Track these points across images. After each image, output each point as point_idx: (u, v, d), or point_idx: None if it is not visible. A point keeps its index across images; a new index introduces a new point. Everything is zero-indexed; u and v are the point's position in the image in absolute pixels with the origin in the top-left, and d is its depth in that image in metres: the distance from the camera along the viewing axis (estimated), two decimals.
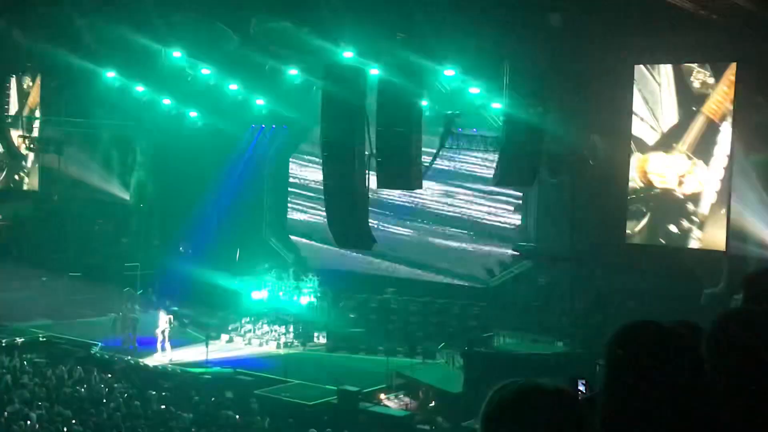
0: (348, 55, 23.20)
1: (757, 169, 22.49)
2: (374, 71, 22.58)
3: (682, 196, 23.96)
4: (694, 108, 23.61)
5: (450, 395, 21.97)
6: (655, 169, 24.23)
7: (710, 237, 23.48)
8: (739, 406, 2.28)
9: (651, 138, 24.28)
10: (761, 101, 22.10)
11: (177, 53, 27.91)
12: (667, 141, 23.97)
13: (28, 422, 18.55)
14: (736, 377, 2.30)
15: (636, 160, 24.46)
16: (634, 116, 24.29)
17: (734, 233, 22.73)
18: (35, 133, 36.21)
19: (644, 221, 24.69)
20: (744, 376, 2.29)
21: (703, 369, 2.29)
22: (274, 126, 32.97)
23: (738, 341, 2.36)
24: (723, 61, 23.11)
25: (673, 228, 24.16)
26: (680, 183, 23.93)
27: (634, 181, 24.53)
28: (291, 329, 28.74)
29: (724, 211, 22.92)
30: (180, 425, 19.23)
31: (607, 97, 24.41)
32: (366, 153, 22.62)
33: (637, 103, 24.25)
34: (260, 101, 31.38)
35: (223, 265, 32.17)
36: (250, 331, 28.87)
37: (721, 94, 23.12)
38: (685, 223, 23.93)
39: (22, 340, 27.89)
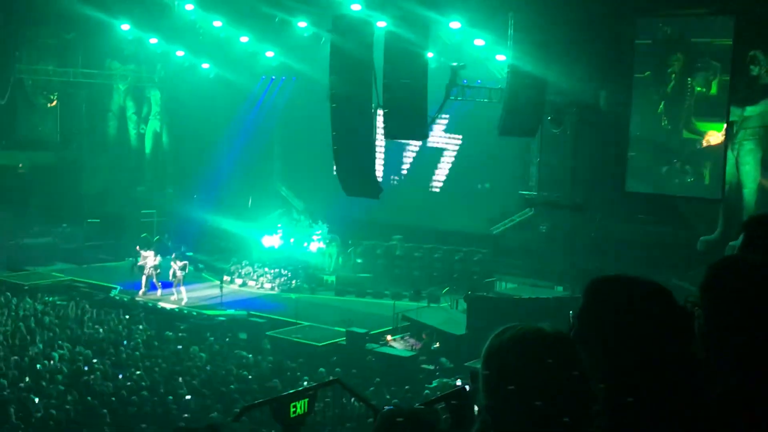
0: (356, 7, 23.00)
1: (751, 119, 22.43)
2: (381, 23, 22.40)
3: (681, 147, 23.89)
4: (693, 62, 23.45)
5: (453, 337, 22.13)
6: (657, 120, 24.16)
7: (707, 186, 23.46)
8: (731, 352, 2.28)
9: (653, 91, 24.15)
10: (756, 54, 21.97)
11: (189, 6, 27.76)
12: (669, 94, 23.84)
13: (51, 362, 18.78)
14: (730, 323, 2.29)
15: (637, 110, 24.37)
16: (636, 68, 24.13)
17: (730, 182, 22.72)
18: (54, 84, 36.09)
19: (643, 171, 24.66)
20: (737, 321, 2.28)
21: (673, 325, 2.28)
22: (284, 77, 32.79)
23: (731, 289, 2.34)
24: (722, 14, 22.87)
25: (670, 178, 24.13)
26: (680, 134, 23.86)
27: (636, 131, 24.45)
28: (301, 274, 28.90)
29: (721, 161, 22.88)
30: (196, 365, 19.44)
31: (609, 49, 24.23)
32: (373, 104, 22.58)
33: (639, 56, 24.08)
34: (270, 53, 31.20)
35: (235, 212, 32.29)
36: (262, 275, 29.05)
37: (719, 48, 22.96)
38: (683, 174, 23.89)
39: (45, 283, 28.14)
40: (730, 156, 22.75)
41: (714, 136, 23.12)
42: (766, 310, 2.23)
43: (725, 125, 22.73)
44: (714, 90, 23.00)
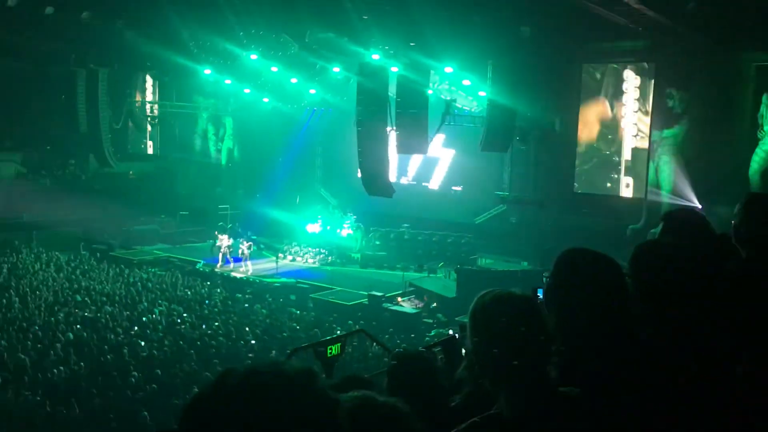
0: (375, 57, 22.97)
1: (668, 139, 22.34)
2: (394, 69, 22.39)
3: (615, 159, 23.82)
4: (624, 95, 23.38)
5: (447, 299, 22.13)
6: (598, 139, 24.10)
7: (634, 188, 23.37)
8: (650, 315, 2.29)
9: (595, 116, 24.10)
10: (671, 91, 21.87)
11: (254, 56, 27.77)
12: (607, 119, 23.80)
13: (153, 315, 18.89)
14: (648, 292, 2.30)
15: (583, 132, 24.33)
16: (581, 101, 24.10)
17: (651, 185, 22.63)
18: (155, 113, 36.27)
19: (587, 177, 24.59)
20: (653, 290, 2.29)
21: (617, 286, 2.27)
22: (323, 108, 32.79)
23: (648, 265, 2.36)
24: (644, 61, 22.79)
25: (606, 182, 24.05)
26: (614, 150, 23.78)
27: (581, 147, 24.40)
28: (335, 252, 28.94)
29: (644, 169, 22.79)
30: (258, 318, 19.52)
31: (562, 86, 24.16)
32: (388, 128, 22.56)
33: (584, 92, 24.04)
34: (313, 90, 31.18)
35: (287, 206, 32.33)
36: (306, 253, 29.09)
37: (642, 86, 22.93)
38: (616, 179, 23.82)
39: (149, 258, 28.35)
40: (651, 166, 22.65)
41: (638, 152, 23.10)
42: (674, 276, 2.26)
43: (648, 143, 22.67)
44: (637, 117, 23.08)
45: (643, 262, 2.41)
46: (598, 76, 23.90)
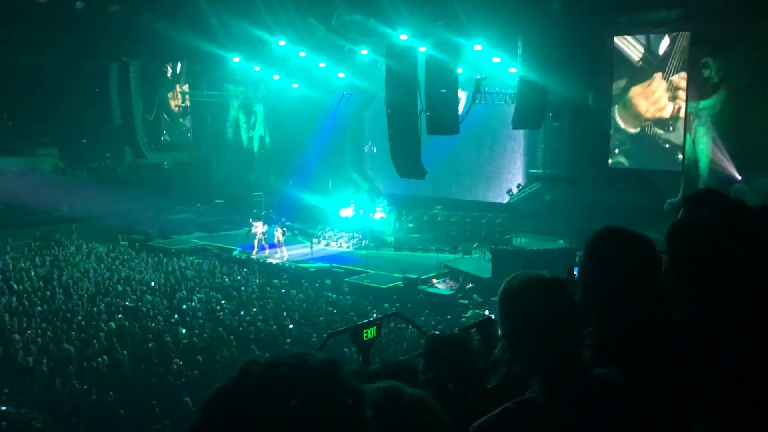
0: (403, 37, 22.80)
1: (704, 110, 21.86)
2: (423, 48, 22.19)
3: (651, 133, 23.35)
4: (658, 66, 22.86)
5: (482, 279, 22.03)
6: (633, 113, 23.65)
7: (671, 161, 22.91)
8: (687, 294, 2.24)
9: (627, 92, 23.63)
10: (707, 61, 21.35)
11: (282, 42, 27.82)
12: (642, 92, 23.32)
13: (192, 303, 19.17)
14: (685, 270, 2.25)
15: (617, 105, 23.90)
16: (615, 74, 23.65)
17: (689, 158, 22.19)
18: (187, 103, 36.62)
19: (622, 152, 24.17)
20: (690, 268, 2.24)
21: (652, 265, 2.23)
22: (351, 92, 32.74)
23: (685, 241, 2.31)
24: (679, 30, 22.21)
25: (642, 156, 23.60)
26: (650, 123, 23.31)
27: (616, 121, 23.97)
28: (368, 236, 29.01)
29: (681, 143, 22.32)
30: (295, 303, 19.69)
31: (594, 60, 23.72)
32: (418, 109, 22.43)
33: (617, 66, 23.57)
34: (341, 74, 31.14)
35: (319, 191, 32.48)
36: (340, 237, 29.20)
37: (677, 56, 22.36)
38: (652, 152, 23.36)
39: (186, 247, 28.76)
40: (688, 138, 22.19)
41: (675, 124, 22.59)
42: (713, 252, 2.20)
43: (684, 115, 22.18)
44: (671, 89, 22.54)
45: (680, 238, 2.35)
46: (631, 47, 23.39)
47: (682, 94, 22.12)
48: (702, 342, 2.08)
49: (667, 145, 22.90)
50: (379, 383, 1.71)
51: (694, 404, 1.99)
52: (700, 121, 21.99)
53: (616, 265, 2.20)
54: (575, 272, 4.45)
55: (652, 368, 2.02)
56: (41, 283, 20.73)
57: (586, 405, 1.89)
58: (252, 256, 26.70)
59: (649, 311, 2.14)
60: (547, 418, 1.87)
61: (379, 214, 30.52)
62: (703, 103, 21.80)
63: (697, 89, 21.86)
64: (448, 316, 18.33)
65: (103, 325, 16.38)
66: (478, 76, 25.58)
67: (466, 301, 21.19)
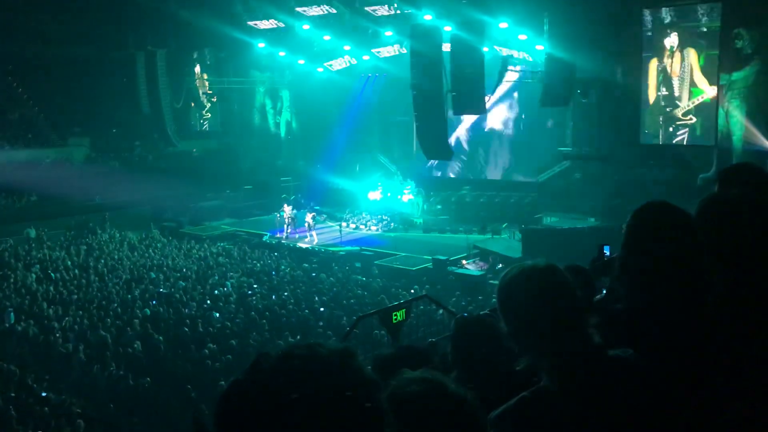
0: (428, 17, 22.60)
1: (737, 82, 21.34)
2: (448, 28, 21.96)
3: (682, 107, 22.89)
4: (686, 43, 22.36)
5: (512, 259, 21.86)
6: (663, 87, 23.20)
7: (701, 136, 22.46)
8: (718, 275, 2.18)
9: (659, 63, 23.16)
10: (740, 31, 20.79)
11: (306, 26, 27.78)
12: (669, 68, 22.84)
13: (224, 288, 19.38)
14: (715, 250, 2.18)
15: (646, 80, 23.45)
16: (644, 48, 23.17)
17: (721, 132, 21.73)
18: (213, 91, 36.86)
19: (652, 127, 23.75)
20: (720, 248, 2.17)
21: (693, 239, 2.18)
22: (377, 75, 32.61)
23: (715, 219, 2.25)
24: (713, 1, 21.65)
25: (673, 131, 23.16)
26: (680, 97, 22.86)
27: (645, 96, 23.54)
28: (397, 218, 29.00)
29: (712, 117, 21.86)
30: (326, 286, 19.79)
31: (623, 35, 23.26)
32: (444, 89, 22.24)
33: (645, 40, 23.08)
34: (366, 57, 31.01)
35: (347, 175, 32.51)
36: (369, 220, 29.26)
37: (703, 31, 21.86)
38: (684, 127, 22.92)
39: (217, 233, 29.06)
40: (721, 111, 21.71)
41: (705, 98, 22.12)
42: (744, 232, 2.13)
43: (716, 88, 21.69)
44: (702, 62, 22.01)
45: (710, 217, 2.29)
46: (660, 19, 22.88)
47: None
48: (733, 322, 2.02)
49: (682, 123, 22.54)
50: (423, 373, 1.68)
51: (723, 387, 1.93)
52: (732, 93, 21.48)
53: (656, 241, 2.16)
54: (606, 251, 4.38)
55: (684, 348, 1.97)
56: (77, 272, 21.14)
57: (599, 388, 1.86)
58: (282, 241, 26.89)
59: (684, 291, 2.09)
60: (561, 405, 1.85)
61: (407, 197, 30.48)
62: (735, 75, 21.27)
63: (729, 61, 21.33)
64: (480, 297, 18.25)
65: (138, 311, 16.66)
66: (505, 54, 25.28)
67: (496, 282, 21.00)
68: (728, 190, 2.53)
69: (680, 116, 22.90)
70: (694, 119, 22.52)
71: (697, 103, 22.43)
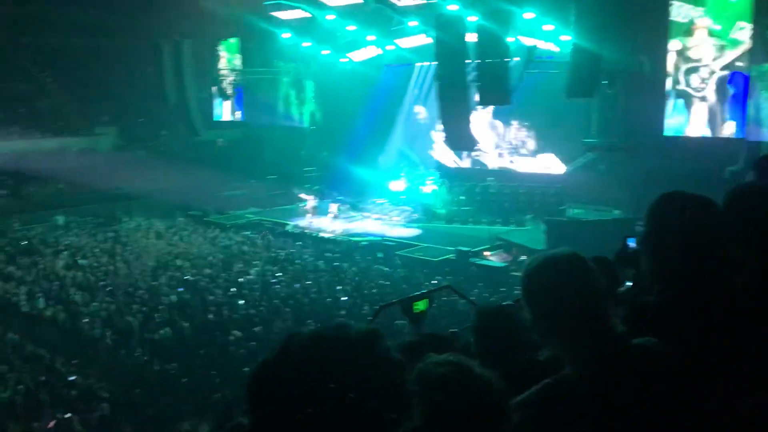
0: (453, 7, 22.46)
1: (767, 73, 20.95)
2: (472, 18, 21.83)
3: (710, 98, 22.53)
4: (712, 34, 21.99)
5: (536, 251, 21.72)
6: (689, 78, 22.86)
7: (732, 127, 22.09)
8: (750, 249, 2.17)
9: (682, 57, 22.81)
10: None
11: (330, 16, 27.76)
12: (696, 59, 22.48)
13: (248, 276, 19.55)
14: (744, 238, 2.17)
15: (673, 70, 23.11)
16: (670, 38, 22.83)
17: (751, 124, 21.35)
18: (238, 81, 36.99)
19: (679, 119, 23.42)
20: (749, 236, 2.16)
21: (715, 230, 2.17)
22: (401, 65, 32.49)
23: (744, 208, 2.24)
24: None
25: (701, 122, 22.82)
26: (708, 88, 22.50)
27: (672, 87, 23.21)
28: (420, 209, 28.95)
29: (740, 108, 21.49)
30: (348, 276, 19.86)
31: (649, 24, 22.94)
32: (468, 80, 22.15)
33: (671, 31, 22.75)
34: (390, 47, 30.91)
35: (370, 165, 32.51)
36: (392, 210, 29.24)
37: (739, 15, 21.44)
38: (712, 119, 22.57)
39: (241, 222, 29.24)
40: (750, 103, 21.33)
41: (734, 89, 21.74)
42: None
43: (746, 79, 21.31)
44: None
45: (739, 205, 2.28)
46: (683, 13, 22.51)
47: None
48: (762, 311, 2.02)
49: (709, 115, 22.18)
50: (448, 356, 1.71)
51: (751, 377, 1.93)
52: (763, 84, 21.08)
53: (678, 228, 2.16)
54: (630, 243, 4.36)
55: (713, 337, 1.98)
56: (105, 259, 21.46)
57: (622, 375, 1.87)
58: (305, 230, 27.00)
59: (709, 278, 2.09)
60: (584, 391, 1.86)
61: (430, 187, 30.42)
62: (765, 66, 20.88)
63: (760, 51, 20.92)
64: (502, 289, 18.20)
65: (164, 298, 16.89)
66: (530, 44, 25.06)
67: (519, 273, 20.94)
68: (754, 181, 2.51)
69: (706, 108, 22.55)
70: (723, 111, 22.16)
71: (726, 95, 22.06)
